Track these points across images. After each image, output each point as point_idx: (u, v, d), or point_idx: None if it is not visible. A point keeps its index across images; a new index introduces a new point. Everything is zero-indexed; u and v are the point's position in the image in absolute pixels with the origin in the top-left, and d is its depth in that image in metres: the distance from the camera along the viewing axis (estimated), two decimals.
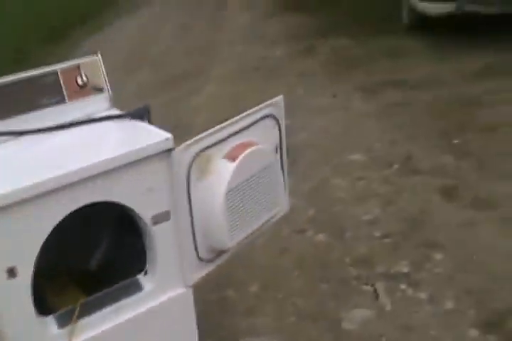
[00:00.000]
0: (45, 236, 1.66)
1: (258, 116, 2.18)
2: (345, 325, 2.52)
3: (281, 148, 2.32)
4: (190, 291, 2.05)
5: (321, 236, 3.16)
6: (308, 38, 7.17)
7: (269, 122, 2.24)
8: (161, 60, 6.90)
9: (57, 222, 1.68)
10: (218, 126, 1.99)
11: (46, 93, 2.06)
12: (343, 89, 5.40)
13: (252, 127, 2.16)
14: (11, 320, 1.68)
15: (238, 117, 2.09)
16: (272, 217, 2.31)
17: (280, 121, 2.28)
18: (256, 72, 5.91)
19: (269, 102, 2.22)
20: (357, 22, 7.32)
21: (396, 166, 3.84)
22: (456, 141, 4.05)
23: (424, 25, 6.52)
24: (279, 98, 2.26)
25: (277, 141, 2.30)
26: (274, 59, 6.45)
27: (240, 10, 9.31)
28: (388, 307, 2.60)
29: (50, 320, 1.78)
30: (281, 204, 2.35)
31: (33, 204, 1.62)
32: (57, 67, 2.09)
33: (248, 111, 2.13)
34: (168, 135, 1.88)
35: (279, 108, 2.26)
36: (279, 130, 2.29)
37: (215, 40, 7.70)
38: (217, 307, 2.66)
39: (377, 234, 3.13)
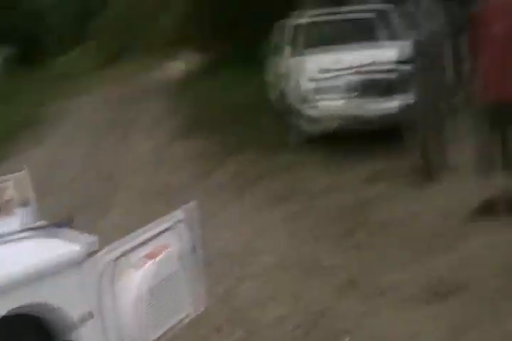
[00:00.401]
0: None
1: (171, 221, 2.43)
2: None
3: (195, 251, 2.55)
4: None
5: (237, 334, 3.36)
6: (211, 160, 7.59)
7: (182, 227, 2.49)
8: (67, 190, 7.04)
9: None
10: (133, 233, 2.24)
11: None
12: (248, 202, 5.78)
13: (166, 232, 2.40)
14: None
15: (153, 224, 2.34)
16: (187, 315, 2.49)
17: (193, 225, 2.52)
18: (161, 196, 6.13)
19: (181, 208, 2.48)
20: (255, 143, 7.86)
21: (301, 267, 4.13)
22: (354, 239, 4.45)
23: (320, 140, 7.12)
24: (192, 203, 2.52)
25: (191, 243, 2.53)
26: (179, 181, 6.78)
27: (144, 138, 9.71)
28: None
29: None
30: (194, 304, 2.53)
31: None
32: None
33: (162, 218, 2.38)
34: (92, 239, 2.11)
35: (191, 213, 2.51)
36: (193, 233, 2.53)
37: (120, 167, 7.96)
38: None
39: (288, 326, 3.36)
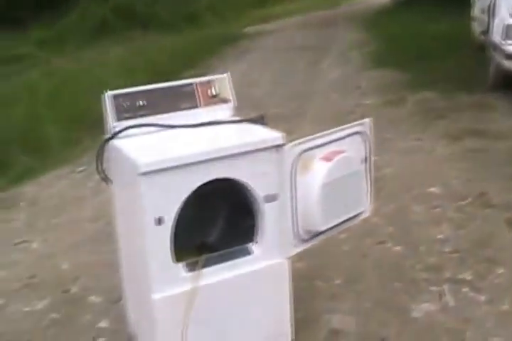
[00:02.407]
0: (185, 196, 2.21)
1: (350, 131, 2.69)
2: (413, 313, 2.94)
3: (367, 160, 2.80)
4: (288, 262, 2.55)
5: (397, 248, 3.60)
6: (398, 90, 7.68)
7: (358, 138, 2.75)
8: (261, 102, 7.56)
9: (194, 188, 2.23)
10: (319, 134, 2.54)
11: (185, 99, 2.66)
12: (428, 135, 5.85)
13: (345, 139, 2.67)
14: (156, 259, 2.23)
15: (335, 130, 2.62)
16: (356, 215, 2.78)
17: (368, 138, 2.77)
18: (349, 117, 6.40)
19: (359, 122, 2.74)
20: (444, 78, 7.80)
21: (469, 199, 4.23)
22: None
23: (508, 84, 6.95)
24: (368, 120, 2.77)
25: (365, 154, 2.78)
26: (365, 107, 7.00)
27: (334, 65, 9.94)
28: (451, 304, 3.01)
29: (182, 266, 2.31)
30: (364, 206, 2.81)
31: (179, 171, 2.21)
32: (195, 80, 2.70)
33: (342, 127, 2.65)
34: (280, 133, 2.42)
35: (367, 128, 2.76)
36: (367, 145, 2.78)
37: (311, 88, 8.34)
38: (306, 291, 3.12)
39: (447, 249, 3.55)
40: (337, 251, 3.57)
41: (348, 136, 2.69)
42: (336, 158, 2.56)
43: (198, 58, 11.33)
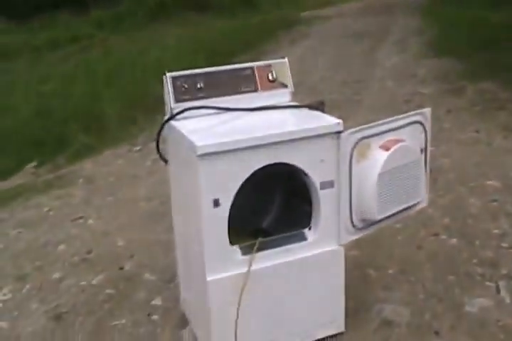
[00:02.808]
0: (242, 179, 2.22)
1: (409, 120, 2.65)
2: (467, 308, 2.88)
3: (425, 151, 2.75)
4: (342, 249, 2.54)
5: (453, 241, 3.54)
6: (456, 80, 7.51)
7: (417, 127, 2.70)
8: (316, 87, 7.54)
9: (252, 172, 2.23)
10: (378, 122, 2.51)
11: (244, 83, 2.66)
12: (487, 127, 5.71)
13: (404, 128, 2.63)
14: (211, 241, 2.24)
15: (393, 118, 2.58)
16: (412, 205, 2.74)
17: (426, 128, 2.73)
18: (406, 105, 6.33)
19: (418, 111, 2.70)
20: (506, 69, 7.58)
21: None
22: None
23: None
24: (427, 109, 2.73)
25: (423, 144, 2.73)
26: (422, 95, 6.88)
27: (391, 52, 9.80)
28: (507, 301, 2.93)
29: (237, 249, 2.32)
30: (421, 197, 2.77)
31: (237, 154, 2.22)
32: (254, 64, 2.70)
33: (401, 115, 2.61)
34: (339, 120, 2.40)
35: (426, 117, 2.72)
36: (425, 135, 2.73)
37: (367, 75, 8.23)
38: (359, 280, 3.12)
39: (504, 244, 3.46)
40: (391, 241, 3.53)
41: (407, 125, 2.65)
42: (395, 147, 2.53)
43: (253, 42, 11.34)
